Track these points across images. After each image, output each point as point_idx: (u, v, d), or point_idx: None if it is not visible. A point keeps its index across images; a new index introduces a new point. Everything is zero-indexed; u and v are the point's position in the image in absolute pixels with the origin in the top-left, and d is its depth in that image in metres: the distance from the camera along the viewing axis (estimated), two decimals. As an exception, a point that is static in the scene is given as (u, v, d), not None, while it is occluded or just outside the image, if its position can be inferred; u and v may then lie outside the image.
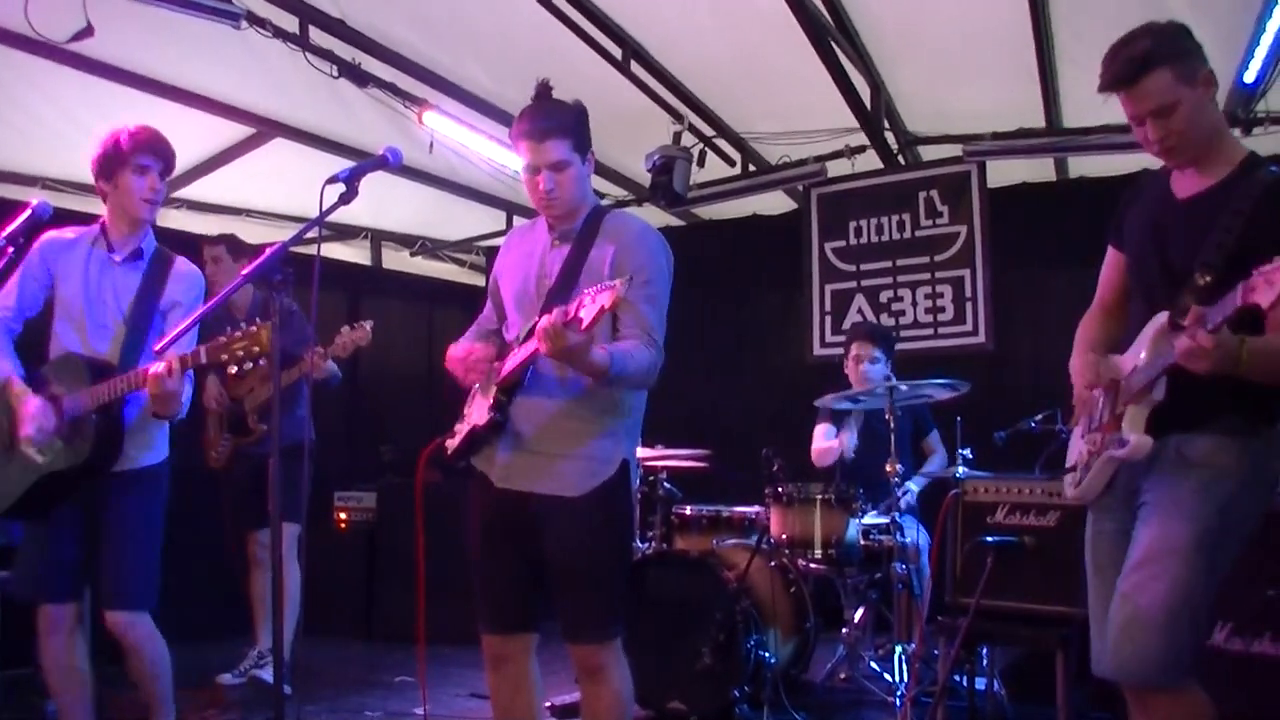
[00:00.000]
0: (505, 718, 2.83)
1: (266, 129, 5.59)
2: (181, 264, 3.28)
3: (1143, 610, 2.19)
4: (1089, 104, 5.04)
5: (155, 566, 3.13)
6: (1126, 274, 2.55)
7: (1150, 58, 2.24)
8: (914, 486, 4.75)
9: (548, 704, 4.36)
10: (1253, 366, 2.07)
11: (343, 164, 2.76)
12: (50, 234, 3.20)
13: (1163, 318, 2.28)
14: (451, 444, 2.81)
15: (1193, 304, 2.14)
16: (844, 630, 4.54)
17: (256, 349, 2.72)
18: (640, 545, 4.86)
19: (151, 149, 3.13)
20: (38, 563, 3.11)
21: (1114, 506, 2.43)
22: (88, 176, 6.06)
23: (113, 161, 3.11)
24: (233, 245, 4.94)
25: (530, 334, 2.59)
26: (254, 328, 2.72)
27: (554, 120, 2.66)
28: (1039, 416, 4.33)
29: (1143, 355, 2.30)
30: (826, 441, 5.03)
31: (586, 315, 2.30)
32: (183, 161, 5.81)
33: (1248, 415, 2.24)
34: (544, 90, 2.76)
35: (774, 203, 6.88)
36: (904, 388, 4.33)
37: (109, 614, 3.04)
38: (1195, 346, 2.04)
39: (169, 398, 2.90)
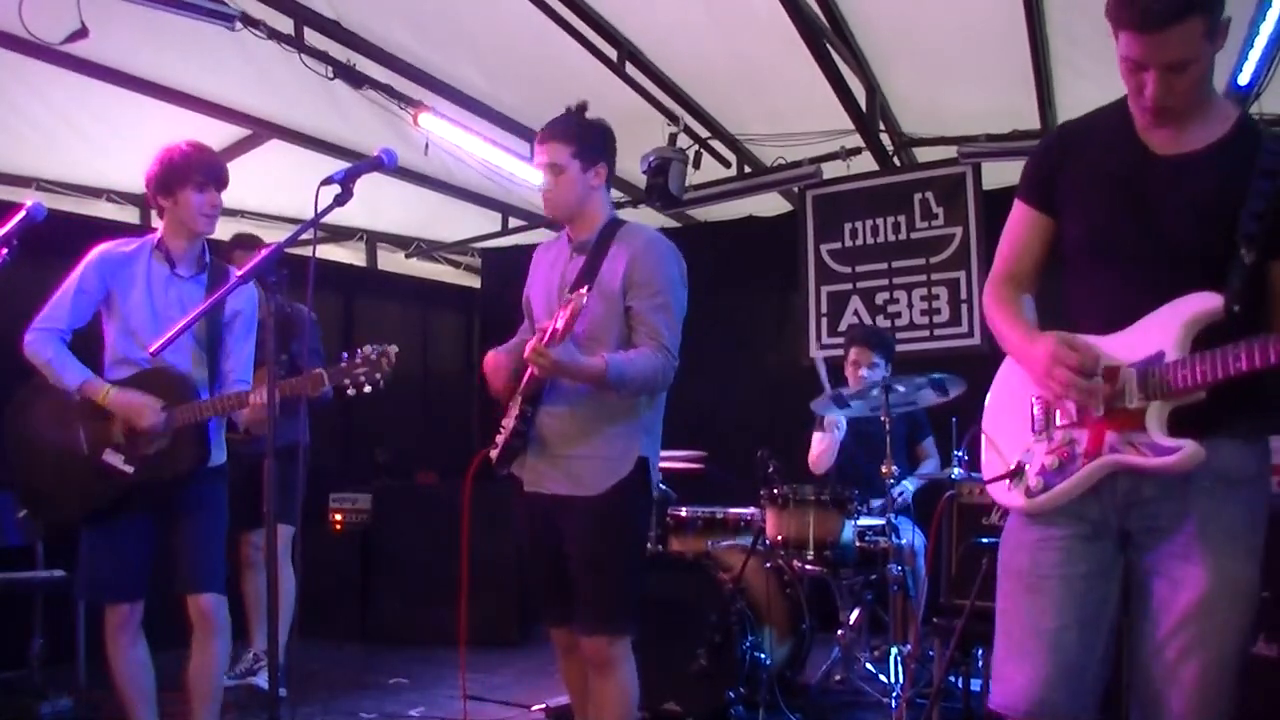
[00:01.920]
0: (579, 697, 3.01)
1: (262, 130, 5.59)
2: (235, 275, 3.36)
3: (1219, 664, 1.92)
4: (1083, 106, 5.02)
5: (223, 556, 3.32)
6: (1057, 239, 2.20)
7: (1191, 2, 1.86)
8: (909, 485, 4.74)
9: (541, 706, 4.37)
10: None
11: (338, 165, 2.75)
12: (105, 247, 3.25)
13: (1207, 301, 1.91)
14: (494, 454, 2.97)
15: (1239, 284, 1.88)
16: (839, 632, 4.54)
17: (378, 375, 2.95)
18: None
19: (208, 167, 3.27)
20: (108, 564, 3.17)
21: (1081, 511, 2.05)
22: (82, 177, 6.11)
23: (172, 178, 3.21)
24: (248, 244, 4.94)
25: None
26: (375, 354, 2.96)
27: (559, 127, 2.91)
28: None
29: (1173, 344, 1.93)
30: (819, 446, 5.02)
31: (559, 327, 2.57)
32: (177, 163, 5.83)
33: (1266, 418, 2.00)
34: (579, 107, 2.98)
35: (769, 204, 6.89)
36: (900, 388, 4.33)
37: (201, 598, 3.15)
38: None
39: (264, 423, 3.06)
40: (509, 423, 2.90)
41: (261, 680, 4.65)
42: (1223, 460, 1.94)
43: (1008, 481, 2.17)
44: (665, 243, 2.93)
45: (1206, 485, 1.94)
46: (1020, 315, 2.25)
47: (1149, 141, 2.05)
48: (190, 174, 3.21)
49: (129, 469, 3.12)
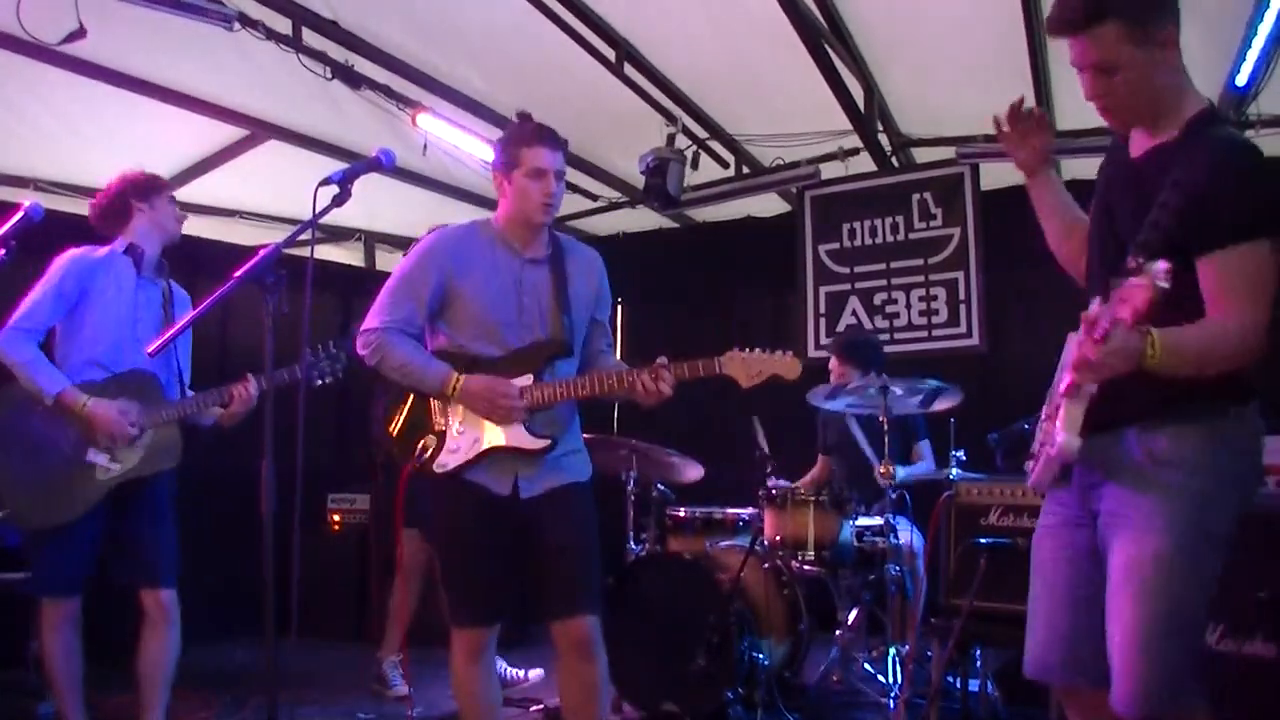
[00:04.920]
0: (476, 704, 2.99)
1: (259, 131, 5.58)
2: (175, 284, 3.65)
3: (1136, 636, 1.97)
4: (1081, 107, 5.01)
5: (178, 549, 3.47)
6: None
7: (1102, 7, 2.03)
8: (900, 471, 4.67)
9: (539, 706, 4.37)
10: (1164, 365, 1.88)
11: (336, 166, 2.76)
12: (76, 252, 3.39)
13: (1094, 308, 1.99)
14: (453, 459, 2.91)
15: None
16: (837, 632, 4.54)
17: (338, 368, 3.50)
18: (634, 547, 4.86)
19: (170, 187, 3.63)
20: (69, 560, 3.29)
21: (1066, 497, 2.23)
22: (80, 178, 6.10)
23: (149, 186, 3.49)
24: None
25: (535, 358, 2.90)
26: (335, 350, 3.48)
27: (561, 138, 2.97)
28: (1032, 418, 4.34)
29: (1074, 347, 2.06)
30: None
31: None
32: (175, 163, 5.82)
33: (1213, 395, 2.00)
34: (527, 115, 3.16)
35: (768, 205, 6.89)
36: (899, 390, 4.32)
37: (161, 592, 3.33)
38: (1080, 359, 1.88)
39: (244, 416, 3.40)
40: (502, 435, 2.87)
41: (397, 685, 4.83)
42: (1157, 445, 2.03)
43: (1030, 463, 2.30)
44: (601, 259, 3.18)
45: (1132, 468, 2.05)
46: None
47: (1130, 145, 2.20)
48: (164, 185, 3.56)
49: (115, 466, 3.25)
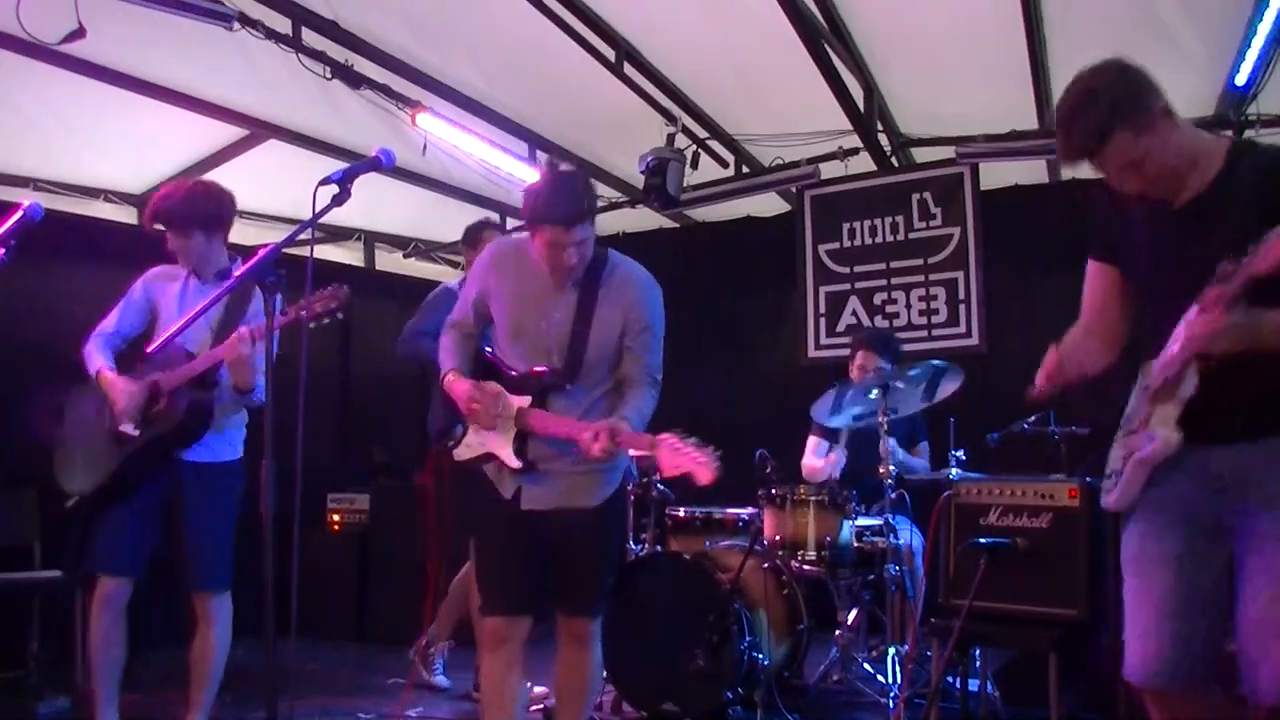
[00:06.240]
0: (496, 695, 2.99)
1: (259, 130, 5.59)
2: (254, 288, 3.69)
3: None
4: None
5: (231, 551, 3.48)
6: (1122, 289, 2.43)
7: (1107, 128, 2.16)
8: (900, 454, 4.68)
9: (539, 708, 4.36)
10: (1273, 337, 2.04)
11: (336, 165, 2.75)
12: (154, 270, 3.64)
13: (1193, 312, 2.13)
14: (462, 454, 3.02)
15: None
16: (837, 632, 4.54)
17: (335, 307, 3.21)
18: (634, 547, 4.85)
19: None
20: (109, 538, 3.41)
21: (1176, 499, 2.25)
22: (79, 178, 6.10)
23: (220, 220, 3.57)
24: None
25: (535, 384, 2.88)
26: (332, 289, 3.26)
27: (578, 205, 2.80)
28: (1031, 418, 4.35)
29: (1174, 350, 2.18)
30: (816, 460, 5.03)
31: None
32: (175, 163, 5.83)
33: None
34: (554, 165, 2.96)
35: (767, 204, 6.89)
36: (899, 385, 4.32)
37: (196, 593, 3.43)
38: (1207, 325, 2.03)
39: (243, 364, 3.29)
40: (496, 444, 2.92)
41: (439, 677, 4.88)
42: None
43: (1108, 482, 2.40)
44: (653, 283, 3.06)
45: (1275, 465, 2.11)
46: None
47: (1166, 203, 2.28)
48: (231, 220, 3.61)
49: (135, 432, 3.38)
